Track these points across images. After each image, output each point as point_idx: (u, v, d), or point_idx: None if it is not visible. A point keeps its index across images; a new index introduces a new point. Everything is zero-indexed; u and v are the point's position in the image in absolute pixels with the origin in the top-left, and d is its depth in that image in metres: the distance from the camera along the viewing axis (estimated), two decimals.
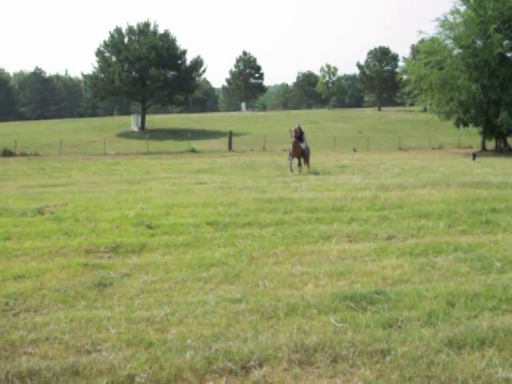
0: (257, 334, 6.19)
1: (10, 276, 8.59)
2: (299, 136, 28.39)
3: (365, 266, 8.97)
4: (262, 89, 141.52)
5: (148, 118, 78.42)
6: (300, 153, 28.23)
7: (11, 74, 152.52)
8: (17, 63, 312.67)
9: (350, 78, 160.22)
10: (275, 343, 5.92)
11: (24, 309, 7.24)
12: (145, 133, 66.81)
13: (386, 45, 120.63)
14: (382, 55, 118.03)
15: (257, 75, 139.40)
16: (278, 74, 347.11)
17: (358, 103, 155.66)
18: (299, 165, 28.64)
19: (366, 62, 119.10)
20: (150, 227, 11.59)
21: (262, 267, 8.88)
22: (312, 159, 30.69)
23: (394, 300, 7.18)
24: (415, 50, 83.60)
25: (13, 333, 6.39)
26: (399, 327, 6.37)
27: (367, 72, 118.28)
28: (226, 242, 10.53)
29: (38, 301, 7.50)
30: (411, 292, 7.45)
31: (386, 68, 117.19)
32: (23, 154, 49.97)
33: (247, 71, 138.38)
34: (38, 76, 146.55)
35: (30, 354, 5.86)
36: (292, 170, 27.49)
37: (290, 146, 28.29)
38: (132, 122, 76.12)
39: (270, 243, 10.42)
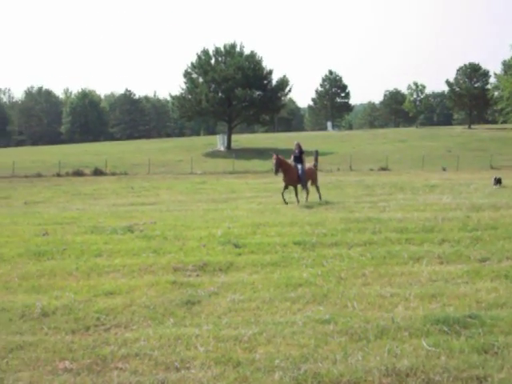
0: (346, 356, 6.07)
1: (101, 292, 8.79)
2: (298, 156, 22.84)
3: (457, 288, 8.68)
4: (348, 108, 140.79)
5: (234, 137, 79.27)
6: (295, 179, 22.13)
7: (102, 96, 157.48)
8: (107, 85, 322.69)
9: (439, 96, 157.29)
10: (365, 366, 5.79)
11: (115, 324, 7.38)
12: (231, 152, 67.51)
13: (475, 61, 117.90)
14: (472, 72, 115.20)
15: (343, 94, 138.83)
16: (364, 92, 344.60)
17: (446, 121, 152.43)
18: (304, 189, 22.57)
19: (456, 78, 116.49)
20: (237, 246, 11.63)
21: (350, 288, 8.74)
22: (400, 178, 29.94)
23: (489, 324, 6.91)
24: (507, 66, 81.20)
25: (104, 348, 6.51)
26: (495, 353, 6.11)
27: (456, 89, 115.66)
28: (313, 261, 10.44)
29: (128, 317, 7.62)
30: (507, 316, 7.15)
31: (476, 85, 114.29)
32: (113, 173, 51.36)
33: (333, 90, 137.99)
34: (127, 97, 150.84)
35: (121, 369, 5.94)
36: (286, 202, 21.45)
37: (276, 169, 21.85)
38: (218, 142, 77.12)
39: (359, 264, 10.26)
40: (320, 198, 22.62)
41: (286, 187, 22.33)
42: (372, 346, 6.37)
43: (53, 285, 9.36)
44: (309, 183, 22.94)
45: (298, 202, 21.48)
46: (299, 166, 22.37)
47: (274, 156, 21.94)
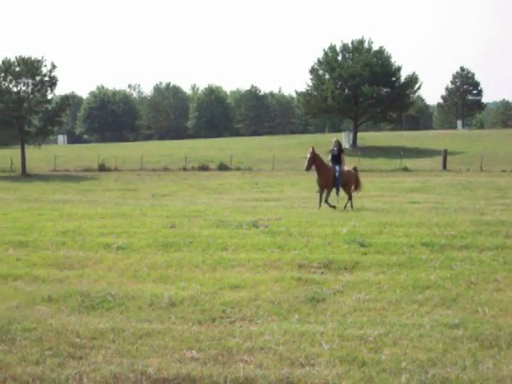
0: (476, 363, 5.86)
1: (227, 285, 8.95)
2: (337, 156, 20.15)
3: None
4: (480, 106, 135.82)
5: (359, 135, 78.36)
6: (330, 181, 19.52)
7: (228, 92, 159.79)
8: (234, 82, 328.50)
9: None
10: (497, 375, 5.57)
11: (240, 317, 7.49)
12: (356, 150, 66.83)
13: None
14: None
15: (475, 92, 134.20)
16: (498, 89, 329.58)
17: None
18: (339, 194, 20.08)
19: None
20: (362, 245, 11.45)
21: (481, 293, 8.40)
22: None
23: None
24: None
25: (229, 340, 6.62)
26: None
27: None
28: (441, 264, 10.09)
29: (252, 311, 7.71)
30: None
31: None
32: (238, 169, 52.32)
33: (464, 87, 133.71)
34: (252, 94, 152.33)
35: (246, 361, 6.01)
36: (320, 205, 19.43)
37: (308, 165, 19.60)
38: (343, 139, 76.54)
39: (490, 268, 9.82)
40: (348, 206, 19.93)
41: (322, 190, 19.64)
42: (504, 354, 6.10)
43: (180, 276, 9.62)
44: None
45: (320, 207, 19.37)
46: (337, 168, 19.69)
47: (310, 150, 19.56)
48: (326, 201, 19.32)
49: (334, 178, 19.42)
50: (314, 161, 19.34)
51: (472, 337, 6.59)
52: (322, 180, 19.37)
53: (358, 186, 20.40)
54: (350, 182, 19.98)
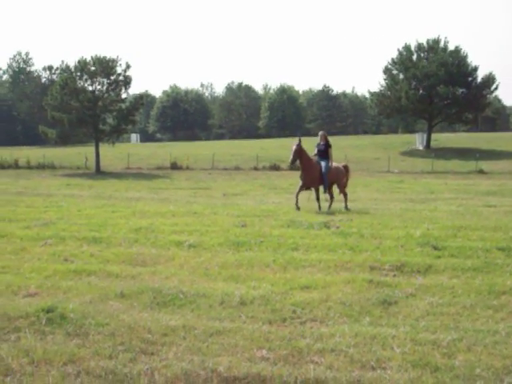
0: None
1: (297, 285, 8.92)
2: (323, 150, 18.48)
3: None
4: None
5: (433, 136, 76.85)
6: (316, 178, 18.19)
7: (300, 92, 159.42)
8: (306, 81, 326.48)
9: None
10: None
11: (310, 318, 7.45)
12: (430, 151, 65.64)
13: None
14: None
15: None
16: None
17: None
18: (326, 192, 18.68)
19: None
20: (436, 248, 11.23)
21: None
22: None
23: None
24: None
25: (300, 340, 6.60)
26: None
27: None
28: None
29: (323, 312, 7.67)
30: None
31: None
32: None
33: None
34: (325, 93, 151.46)
35: (316, 363, 5.99)
36: (298, 208, 17.86)
37: (293, 159, 18.14)
38: (417, 140, 75.31)
39: None
40: (346, 207, 18.61)
41: (302, 187, 18.30)
42: None
43: (250, 275, 9.64)
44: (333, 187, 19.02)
45: (320, 208, 18.03)
46: (323, 164, 18.19)
47: (296, 142, 18.11)
48: (318, 199, 18.35)
49: (320, 174, 18.15)
50: (300, 155, 17.95)
51: None
52: (307, 176, 18.11)
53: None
54: (340, 180, 18.80)
